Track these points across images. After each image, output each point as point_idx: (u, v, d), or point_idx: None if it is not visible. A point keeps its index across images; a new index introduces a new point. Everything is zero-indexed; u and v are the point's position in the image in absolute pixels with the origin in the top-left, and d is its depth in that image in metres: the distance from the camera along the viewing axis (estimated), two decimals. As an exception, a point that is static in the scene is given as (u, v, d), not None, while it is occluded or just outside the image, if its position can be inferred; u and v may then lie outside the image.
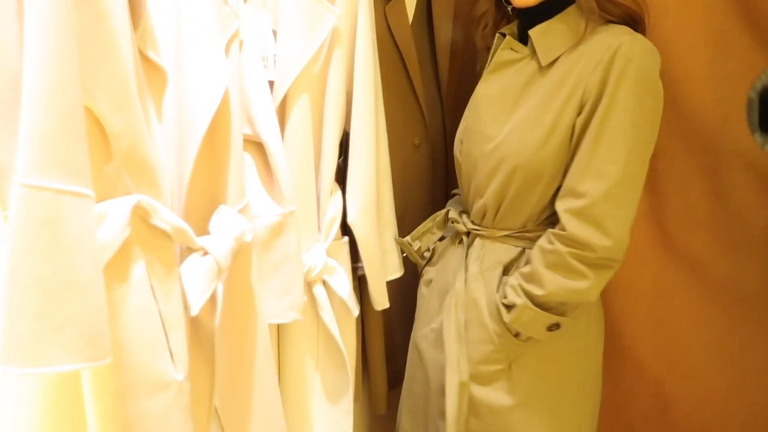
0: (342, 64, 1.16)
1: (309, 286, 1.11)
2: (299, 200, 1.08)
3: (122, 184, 0.76)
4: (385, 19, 1.37)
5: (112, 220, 0.73)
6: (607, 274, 1.08)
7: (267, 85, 1.07)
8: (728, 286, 1.47)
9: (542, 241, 1.07)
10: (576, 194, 1.05)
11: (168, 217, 0.80)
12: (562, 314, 1.09)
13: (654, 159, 1.48)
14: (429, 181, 1.51)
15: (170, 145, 0.92)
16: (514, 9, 1.14)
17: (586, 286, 1.05)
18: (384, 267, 1.25)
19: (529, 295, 1.05)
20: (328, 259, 1.13)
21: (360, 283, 1.30)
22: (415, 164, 1.46)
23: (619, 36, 1.05)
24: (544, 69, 1.09)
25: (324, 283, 1.14)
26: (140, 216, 0.77)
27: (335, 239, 1.17)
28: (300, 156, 1.11)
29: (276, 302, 1.03)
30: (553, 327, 1.10)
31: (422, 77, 1.45)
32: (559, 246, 1.04)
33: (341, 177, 1.22)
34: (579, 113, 1.05)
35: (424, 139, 1.51)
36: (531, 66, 1.11)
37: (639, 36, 1.08)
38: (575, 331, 1.15)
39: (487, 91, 1.16)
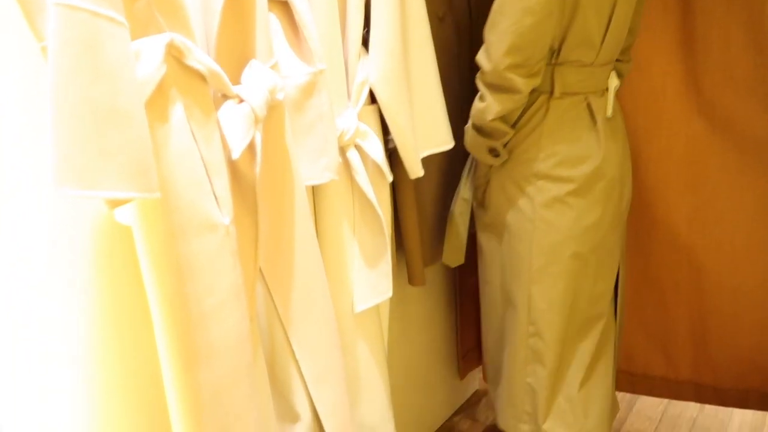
0: None
1: (342, 150, 1.11)
2: (327, 64, 1.06)
3: (154, 22, 0.75)
4: None
5: (148, 57, 0.72)
6: (503, 98, 1.21)
7: (287, -59, 1.02)
8: (767, 148, 1.44)
9: None
10: None
11: (202, 57, 0.79)
12: (491, 138, 1.27)
13: (693, 17, 1.43)
14: (455, 54, 1.47)
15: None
16: None
17: (483, 105, 1.23)
18: (427, 137, 1.25)
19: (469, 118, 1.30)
20: (360, 124, 1.12)
21: (391, 157, 1.29)
22: (439, 37, 1.41)
23: None
24: None
25: (357, 147, 1.13)
26: (175, 56, 0.76)
27: (366, 104, 1.15)
28: (326, 16, 1.07)
29: (311, 163, 1.04)
30: (492, 151, 1.30)
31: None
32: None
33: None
34: None
35: (448, 11, 1.45)
36: None
37: None
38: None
39: None
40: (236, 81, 0.92)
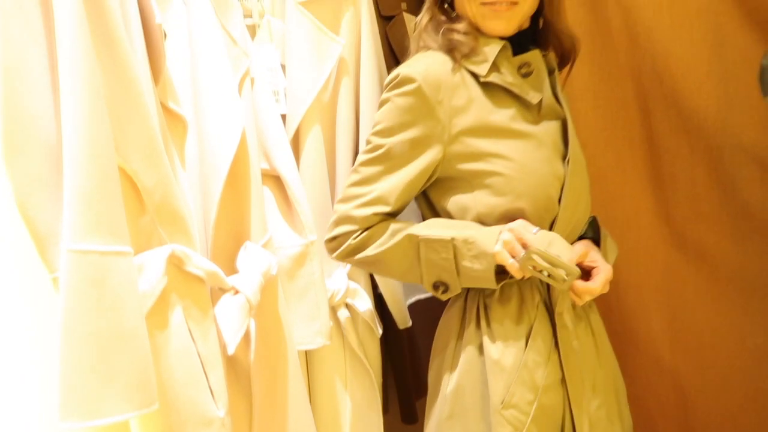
0: (350, 90, 1.20)
1: (333, 310, 1.15)
2: (318, 227, 1.11)
3: (156, 235, 0.80)
4: (387, 40, 1.40)
5: (150, 271, 0.77)
6: None
7: (280, 119, 1.10)
8: (739, 277, 1.50)
9: None
10: None
11: (200, 262, 0.84)
12: None
13: (659, 156, 1.52)
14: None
15: (194, 188, 0.95)
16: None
17: None
18: (409, 287, 1.29)
19: None
20: (350, 283, 1.17)
21: (382, 300, 1.33)
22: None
23: None
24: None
25: (347, 305, 1.17)
26: (175, 264, 0.81)
27: (355, 261, 1.21)
28: (316, 185, 1.14)
29: (304, 328, 1.07)
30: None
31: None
32: None
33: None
34: None
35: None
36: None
37: None
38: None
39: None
40: (232, 261, 0.97)
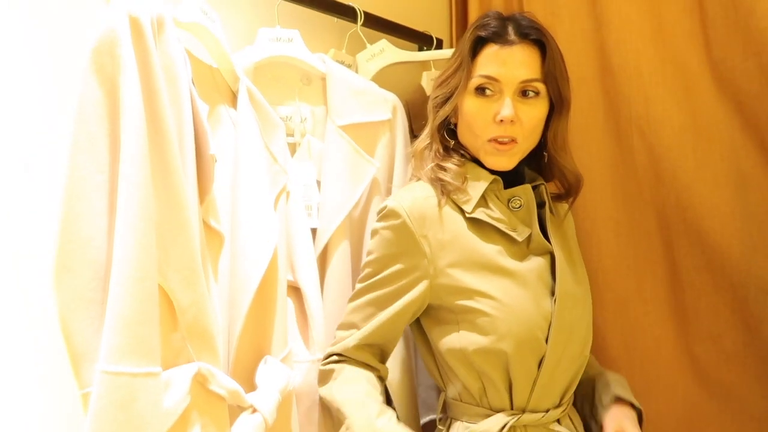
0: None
1: (345, 426, 1.14)
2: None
3: (185, 353, 0.82)
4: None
5: (176, 389, 0.79)
6: None
7: (310, 234, 1.15)
8: (765, 418, 1.45)
9: None
10: None
11: (224, 381, 0.85)
12: None
13: (682, 290, 1.52)
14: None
15: (222, 299, 0.98)
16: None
17: None
18: (424, 405, 1.28)
19: None
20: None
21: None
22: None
23: None
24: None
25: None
26: (199, 382, 0.83)
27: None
28: (337, 300, 1.16)
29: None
30: None
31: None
32: None
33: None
34: None
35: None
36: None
37: None
38: None
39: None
40: (251, 373, 0.98)
